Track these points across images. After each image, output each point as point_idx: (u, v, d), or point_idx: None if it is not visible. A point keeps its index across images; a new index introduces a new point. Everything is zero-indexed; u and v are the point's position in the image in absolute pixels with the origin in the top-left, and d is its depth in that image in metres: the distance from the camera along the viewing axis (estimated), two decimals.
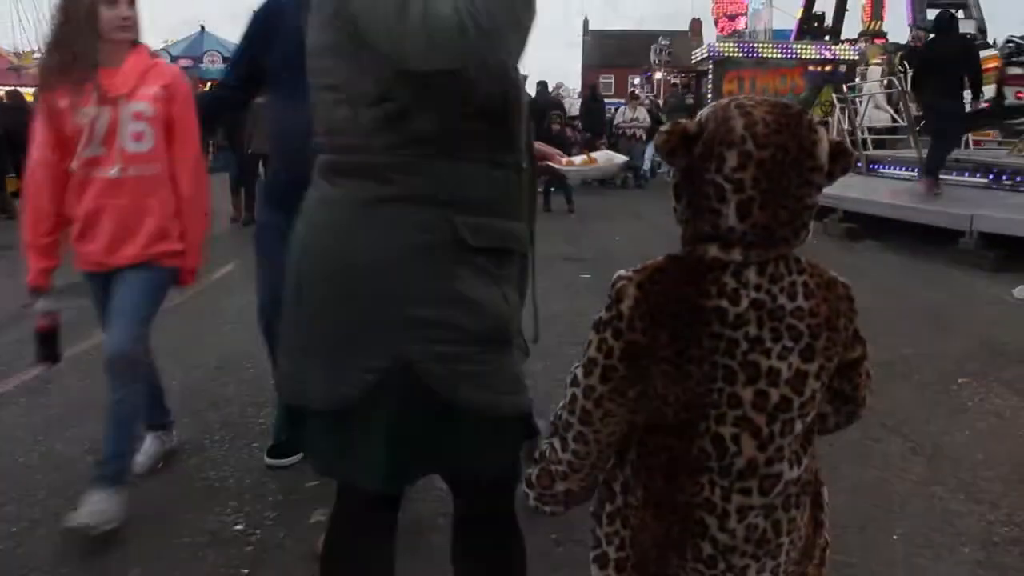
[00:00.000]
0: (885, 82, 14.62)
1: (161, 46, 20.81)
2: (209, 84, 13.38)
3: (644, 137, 16.49)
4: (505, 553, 1.67)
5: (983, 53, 13.27)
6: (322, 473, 1.72)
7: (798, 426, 1.25)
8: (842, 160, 1.23)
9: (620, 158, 2.25)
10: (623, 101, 18.73)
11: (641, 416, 1.29)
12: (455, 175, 1.41)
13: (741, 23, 29.69)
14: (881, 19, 21.95)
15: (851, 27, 23.08)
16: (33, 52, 20.42)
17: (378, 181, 1.40)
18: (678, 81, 25.32)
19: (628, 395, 1.26)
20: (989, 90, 13.03)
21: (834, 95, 14.72)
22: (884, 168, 11.40)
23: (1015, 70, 14.30)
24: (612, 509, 1.36)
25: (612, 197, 14.44)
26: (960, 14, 13.93)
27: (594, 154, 2.10)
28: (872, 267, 7.55)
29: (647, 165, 16.99)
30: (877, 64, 17.69)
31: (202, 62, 18.92)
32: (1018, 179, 8.84)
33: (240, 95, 3.28)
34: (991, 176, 9.26)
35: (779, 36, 24.37)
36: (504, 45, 1.30)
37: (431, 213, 1.40)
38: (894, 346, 4.74)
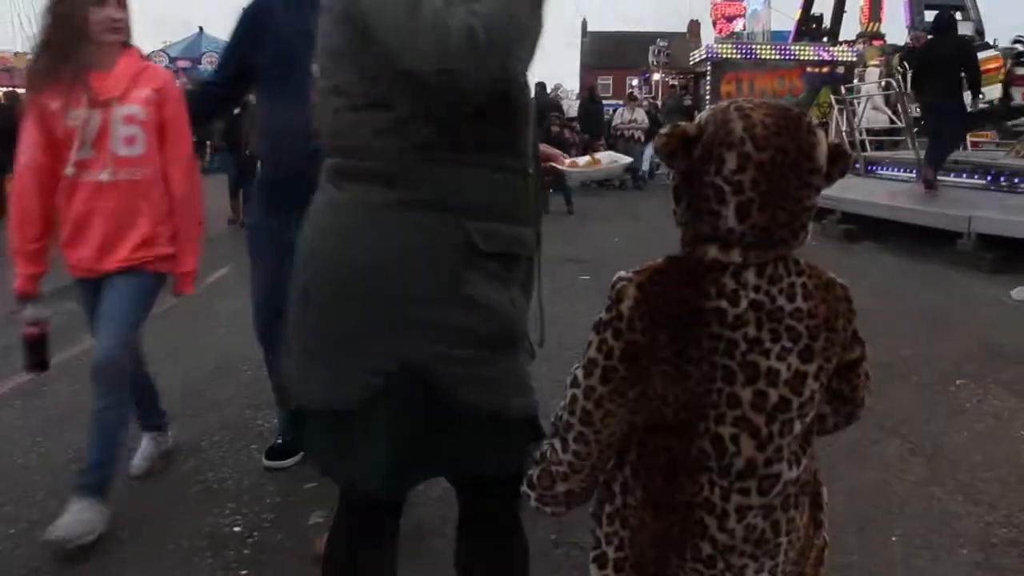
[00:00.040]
0: (883, 83, 14.63)
1: (159, 47, 20.84)
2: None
3: (642, 138, 16.51)
4: (508, 554, 1.67)
5: (984, 54, 13.28)
6: (326, 475, 1.72)
7: (797, 426, 1.26)
8: (841, 162, 1.24)
9: (624, 159, 2.25)
10: (621, 102, 18.74)
11: (641, 416, 1.30)
12: (463, 181, 1.41)
13: (739, 25, 29.72)
14: (879, 21, 21.95)
15: (849, 29, 23.12)
16: (27, 53, 20.40)
17: (386, 186, 1.40)
18: (676, 82, 25.38)
19: (628, 395, 1.27)
20: (993, 91, 13.03)
21: (832, 96, 14.74)
22: (882, 169, 11.41)
23: (1023, 71, 14.27)
24: (611, 509, 1.36)
25: (611, 198, 14.45)
26: (958, 16, 13.93)
27: (597, 155, 2.10)
28: (870, 268, 7.55)
29: (646, 166, 17.01)
30: (875, 65, 17.70)
31: (200, 63, 18.95)
32: (1016, 180, 8.85)
33: (229, 93, 3.27)
34: (989, 177, 9.27)
35: (777, 38, 24.40)
36: (512, 58, 1.30)
37: (441, 218, 1.40)
38: (892, 347, 4.74)
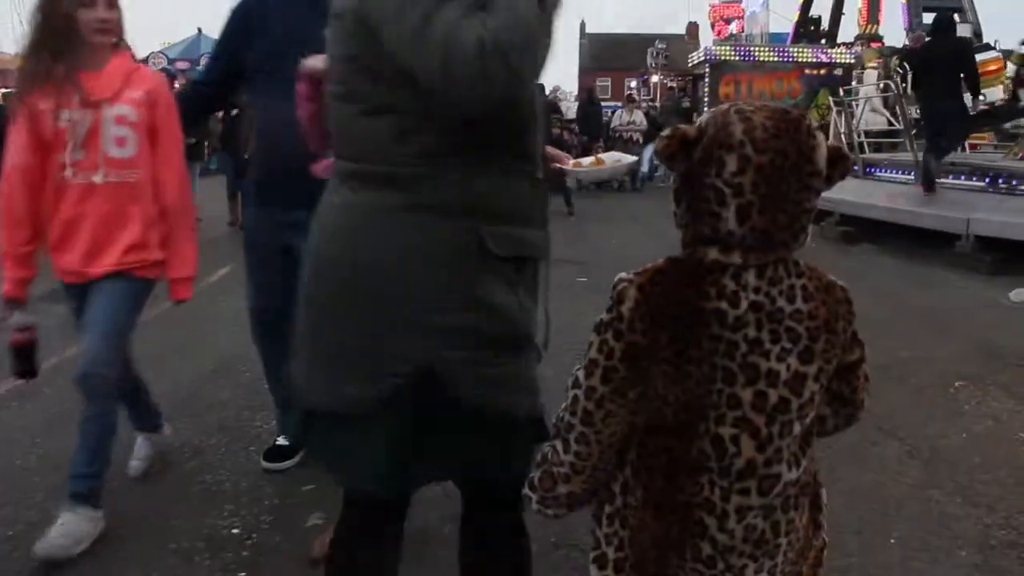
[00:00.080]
0: (881, 85, 14.64)
1: (158, 48, 20.84)
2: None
3: (641, 140, 16.50)
4: (512, 554, 1.68)
5: (985, 55, 13.29)
6: (332, 476, 1.73)
7: (797, 427, 1.26)
8: (841, 165, 1.25)
9: (629, 157, 2.26)
10: (620, 104, 18.76)
11: (641, 417, 1.30)
12: (475, 185, 1.42)
13: (736, 27, 29.76)
14: (877, 23, 21.99)
15: (847, 31, 23.17)
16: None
17: (400, 190, 1.41)
18: (675, 84, 25.40)
19: (629, 396, 1.27)
20: (994, 92, 13.03)
21: (830, 98, 14.76)
22: (880, 171, 11.41)
23: None
24: (612, 510, 1.37)
25: (609, 200, 14.46)
26: (956, 18, 13.95)
27: (602, 155, 2.11)
28: (869, 270, 7.56)
29: (645, 168, 17.02)
30: (873, 68, 17.72)
31: (199, 64, 18.92)
32: (1015, 182, 8.86)
33: (218, 93, 3.25)
34: (987, 179, 9.28)
35: (775, 40, 24.44)
36: (521, 75, 1.31)
37: (455, 222, 1.41)
38: (891, 349, 4.75)
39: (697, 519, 1.27)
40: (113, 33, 2.64)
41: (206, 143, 14.07)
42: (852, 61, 19.73)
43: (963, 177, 9.62)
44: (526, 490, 1.41)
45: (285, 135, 2.30)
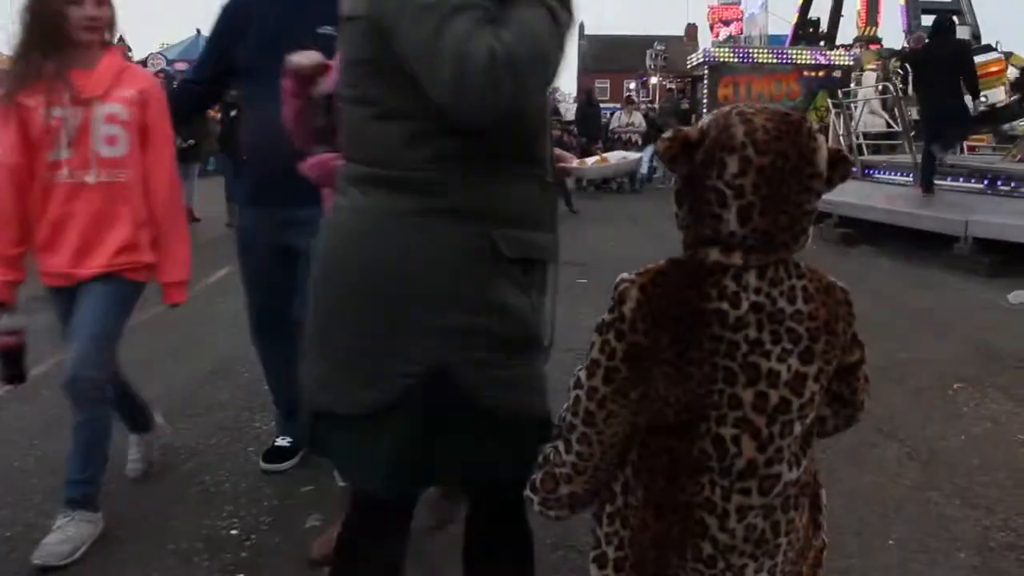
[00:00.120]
0: (880, 87, 14.67)
1: (157, 50, 20.84)
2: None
3: (640, 142, 16.52)
4: (516, 553, 1.69)
5: (987, 57, 13.33)
6: (342, 475, 1.73)
7: (797, 428, 1.27)
8: (841, 167, 1.26)
9: (634, 155, 2.28)
10: (619, 106, 18.77)
11: (643, 417, 1.31)
12: (486, 189, 1.43)
13: (735, 28, 29.78)
14: (876, 25, 22.05)
15: (846, 33, 23.22)
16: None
17: (412, 194, 1.42)
18: (674, 86, 25.39)
19: (630, 396, 1.28)
20: (995, 93, 13.06)
21: (829, 100, 14.78)
22: (879, 173, 11.44)
23: None
24: (612, 509, 1.37)
25: (608, 201, 14.47)
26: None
27: (607, 154, 2.13)
28: (867, 272, 7.57)
29: (644, 170, 17.03)
30: (872, 70, 17.76)
31: None
32: (1013, 184, 8.88)
33: (208, 91, 3.23)
34: (986, 181, 9.30)
35: (774, 42, 24.47)
36: (529, 90, 1.32)
37: (466, 225, 1.42)
38: (889, 351, 4.75)
39: (698, 519, 1.27)
40: (102, 31, 2.59)
41: (200, 143, 14.08)
42: (851, 63, 19.76)
43: (962, 179, 9.64)
44: (528, 492, 1.41)
45: (281, 133, 2.29)
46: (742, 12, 29.95)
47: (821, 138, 1.23)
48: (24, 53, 2.55)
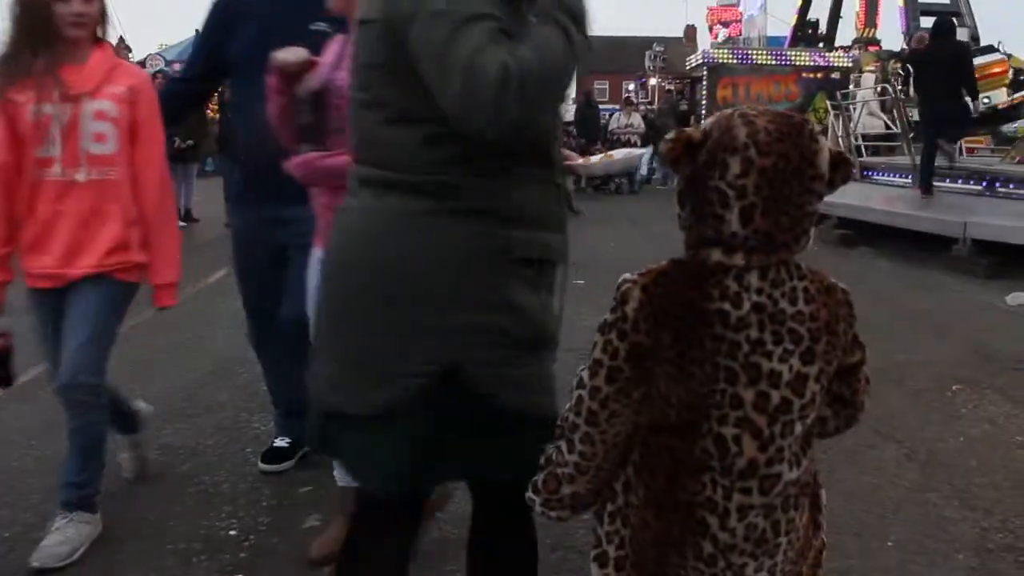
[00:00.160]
0: (879, 89, 14.68)
1: (156, 50, 20.83)
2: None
3: (639, 143, 16.49)
4: (520, 552, 1.69)
5: (990, 57, 13.35)
6: (352, 475, 1.73)
7: (798, 428, 1.27)
8: (843, 169, 1.26)
9: (638, 151, 2.29)
10: (618, 107, 18.77)
11: (645, 417, 1.31)
12: (498, 191, 1.44)
13: (733, 30, 29.80)
14: (875, 26, 22.07)
15: (845, 34, 23.26)
16: None
17: (423, 196, 1.42)
18: (672, 87, 25.40)
19: (633, 396, 1.29)
20: (998, 94, 13.07)
21: (828, 102, 14.80)
22: (878, 175, 11.45)
23: None
24: (613, 508, 1.37)
25: (607, 202, 14.45)
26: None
27: (612, 152, 2.13)
28: (866, 273, 7.57)
29: (643, 171, 17.03)
30: (871, 71, 17.80)
31: None
32: (1011, 186, 8.90)
33: (200, 89, 3.22)
34: (984, 183, 9.32)
35: (773, 43, 24.49)
36: (538, 108, 1.33)
37: (478, 227, 1.43)
38: (888, 352, 4.75)
39: (699, 518, 1.28)
40: (91, 26, 2.55)
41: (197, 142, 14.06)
42: (850, 65, 19.79)
43: (960, 181, 9.66)
44: (530, 493, 1.41)
45: (268, 130, 2.28)
46: (741, 13, 29.96)
47: (823, 140, 1.24)
48: (13, 50, 2.51)
